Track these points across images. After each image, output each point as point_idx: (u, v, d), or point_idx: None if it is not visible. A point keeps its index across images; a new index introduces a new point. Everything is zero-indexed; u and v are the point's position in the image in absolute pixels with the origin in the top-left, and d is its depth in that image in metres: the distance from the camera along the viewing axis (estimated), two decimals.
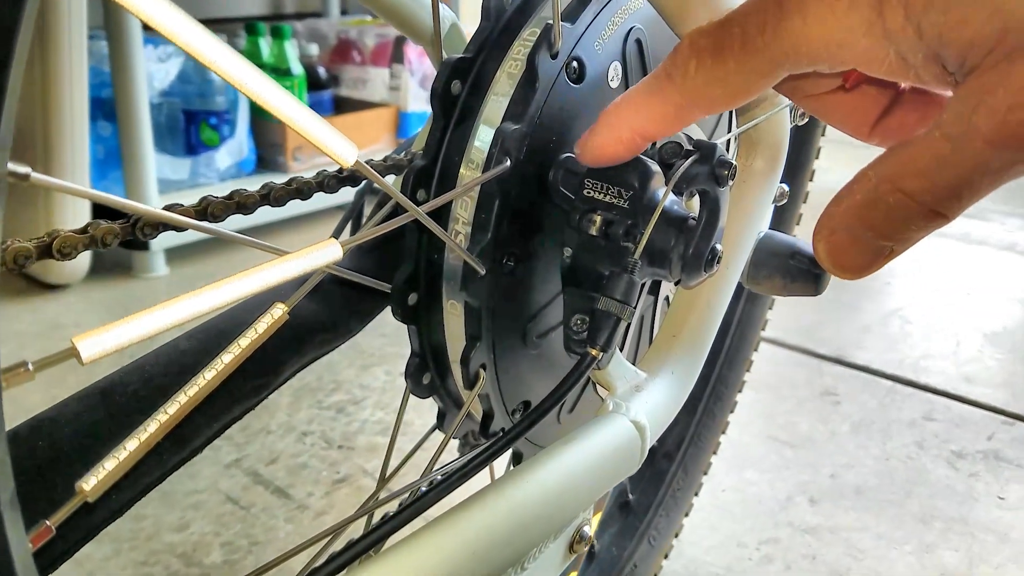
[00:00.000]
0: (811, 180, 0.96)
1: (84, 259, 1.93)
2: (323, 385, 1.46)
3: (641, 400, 0.47)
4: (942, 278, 2.03)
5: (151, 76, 2.15)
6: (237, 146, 2.31)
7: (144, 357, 0.48)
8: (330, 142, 0.36)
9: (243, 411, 0.53)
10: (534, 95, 0.46)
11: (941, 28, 0.28)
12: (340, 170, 0.54)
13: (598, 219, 0.47)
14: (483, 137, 0.47)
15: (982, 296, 1.93)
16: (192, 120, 2.29)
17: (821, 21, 0.31)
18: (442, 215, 0.49)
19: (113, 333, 0.31)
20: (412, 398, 0.57)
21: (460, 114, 0.48)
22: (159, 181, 2.01)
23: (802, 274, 0.55)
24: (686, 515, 1.00)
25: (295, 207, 2.17)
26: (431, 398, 0.55)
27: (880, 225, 0.31)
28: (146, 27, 1.93)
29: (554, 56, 0.47)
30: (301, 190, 0.50)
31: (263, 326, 0.40)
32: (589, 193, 0.47)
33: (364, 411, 1.38)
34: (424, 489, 0.40)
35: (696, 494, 1.02)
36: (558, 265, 0.49)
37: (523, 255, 0.49)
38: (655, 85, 0.38)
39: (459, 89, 0.48)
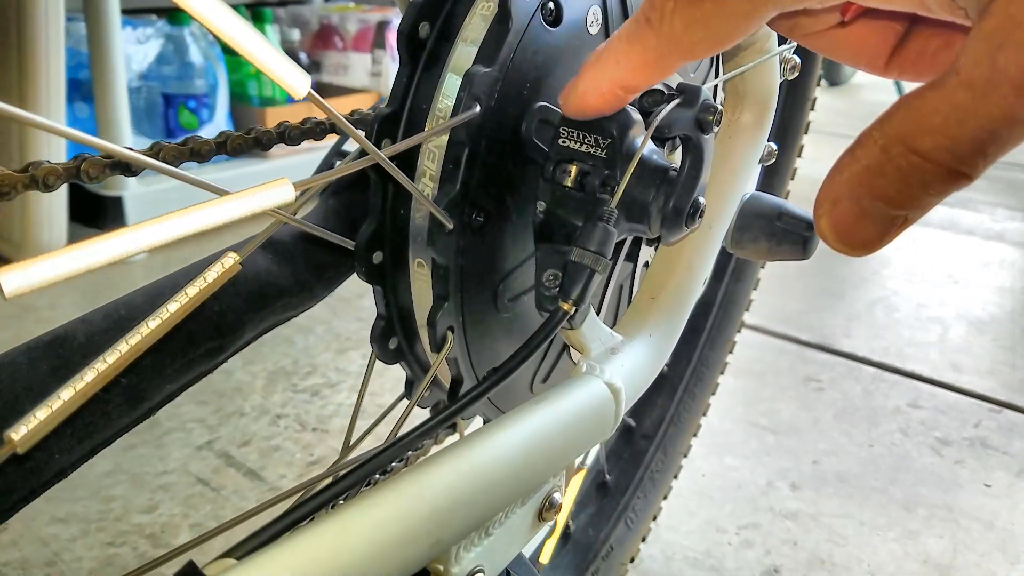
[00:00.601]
0: (806, 132, 0.94)
1: (61, 241, 1.89)
2: (298, 368, 1.43)
3: (616, 363, 0.45)
4: (929, 267, 2.02)
5: (129, 58, 2.11)
6: (216, 130, 2.26)
7: (93, 311, 0.46)
8: (282, 71, 0.33)
9: (199, 373, 0.50)
10: (506, 37, 0.43)
11: None
12: (303, 121, 0.51)
13: (573, 170, 0.44)
14: (452, 82, 0.44)
15: (969, 285, 1.92)
16: (171, 103, 2.25)
17: None
18: (410, 169, 0.46)
19: (39, 267, 0.29)
20: (380, 366, 0.54)
21: (428, 58, 0.45)
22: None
23: (789, 237, 0.53)
24: (665, 498, 0.98)
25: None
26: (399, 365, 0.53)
27: (892, 193, 0.27)
28: (125, 9, 1.89)
29: None
30: (260, 140, 0.48)
31: (213, 275, 0.37)
32: (564, 142, 0.44)
33: (339, 394, 1.35)
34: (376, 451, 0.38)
35: (675, 476, 1.00)
36: (531, 222, 0.47)
37: (494, 211, 0.46)
38: (634, 31, 0.35)
39: (427, 32, 0.45)
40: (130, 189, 1.96)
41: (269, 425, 1.27)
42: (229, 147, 0.46)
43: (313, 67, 2.74)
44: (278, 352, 1.48)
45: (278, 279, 0.52)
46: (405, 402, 0.56)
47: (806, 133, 0.96)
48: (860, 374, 1.50)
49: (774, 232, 0.54)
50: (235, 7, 2.37)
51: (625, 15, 0.52)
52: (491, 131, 0.44)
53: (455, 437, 0.70)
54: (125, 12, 1.93)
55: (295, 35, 2.71)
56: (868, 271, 1.97)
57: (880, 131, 0.27)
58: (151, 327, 0.35)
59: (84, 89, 2.00)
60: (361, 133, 0.39)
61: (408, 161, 0.46)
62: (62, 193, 1.80)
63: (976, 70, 0.24)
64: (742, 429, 1.31)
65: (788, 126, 0.92)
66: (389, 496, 0.33)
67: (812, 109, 0.95)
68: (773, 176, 0.95)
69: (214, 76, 2.27)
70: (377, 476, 0.52)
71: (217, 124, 2.28)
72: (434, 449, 0.66)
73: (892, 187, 0.27)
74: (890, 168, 0.27)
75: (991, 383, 1.49)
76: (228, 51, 2.26)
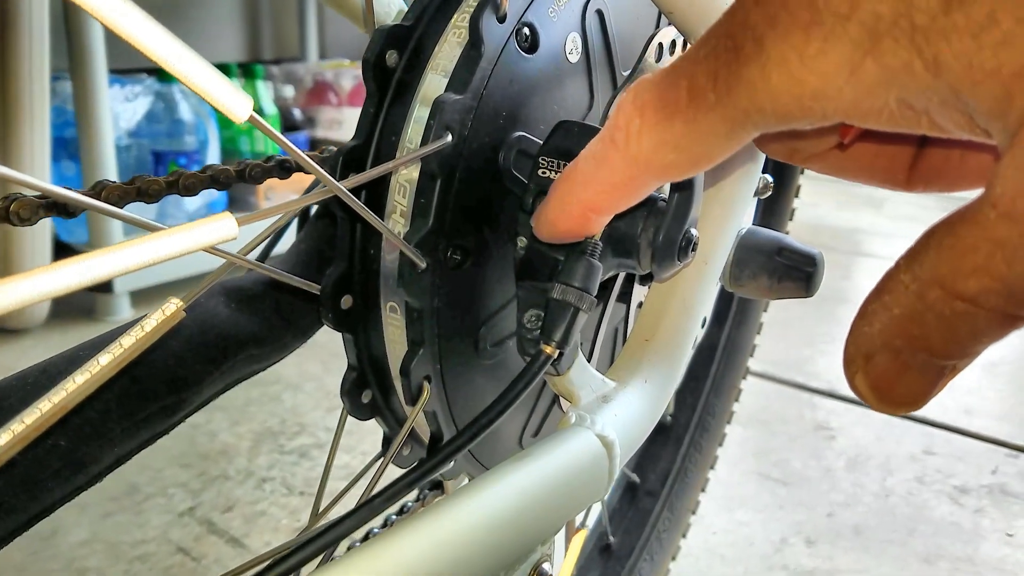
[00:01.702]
0: (802, 173, 0.92)
1: (44, 303, 1.86)
2: (286, 428, 1.38)
3: (609, 412, 0.41)
4: None
5: (118, 116, 2.11)
6: (202, 200, 2.25)
7: (31, 367, 0.42)
8: (221, 94, 0.30)
9: (153, 435, 0.46)
10: (479, 62, 0.41)
11: (972, 59, 0.20)
12: (267, 159, 0.48)
13: None
14: (423, 113, 0.42)
15: None
16: (160, 160, 2.24)
17: (784, 68, 0.23)
18: (379, 205, 0.43)
19: None
20: (360, 422, 0.50)
21: (397, 88, 0.42)
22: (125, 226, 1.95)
23: (791, 273, 0.50)
24: (673, 559, 0.93)
25: None
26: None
27: (937, 344, 0.23)
28: (114, 68, 1.89)
29: (501, 19, 0.41)
30: (217, 178, 0.45)
31: (152, 323, 0.33)
32: (544, 173, 0.41)
33: (327, 454, 1.30)
34: (343, 514, 0.34)
35: (684, 535, 0.94)
36: (512, 259, 0.43)
37: (473, 248, 0.43)
38: (599, 152, 0.31)
39: (396, 60, 0.42)
40: (116, 240, 1.94)
41: (254, 489, 1.22)
42: (180, 186, 0.43)
43: (307, 123, 2.74)
44: (265, 411, 1.43)
45: (241, 329, 0.49)
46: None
47: (802, 173, 0.94)
48: (871, 420, 1.46)
49: (775, 268, 0.50)
50: (227, 64, 2.38)
51: (606, 45, 0.50)
52: (466, 162, 0.41)
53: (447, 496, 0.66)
54: (114, 71, 1.93)
55: (289, 92, 2.72)
56: None
57: (910, 273, 0.23)
58: (78, 383, 0.31)
59: (71, 147, 1.99)
60: (319, 166, 0.35)
61: (378, 198, 0.43)
62: (45, 246, 1.78)
63: (1019, 203, 0.20)
64: (753, 481, 1.26)
65: (785, 166, 0.90)
66: (356, 566, 0.29)
67: None
68: (770, 217, 0.93)
69: (205, 132, 2.27)
70: (354, 542, 0.48)
71: (204, 195, 2.27)
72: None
73: (936, 336, 0.23)
74: (931, 316, 0.23)
75: (1006, 427, 1.44)
76: None
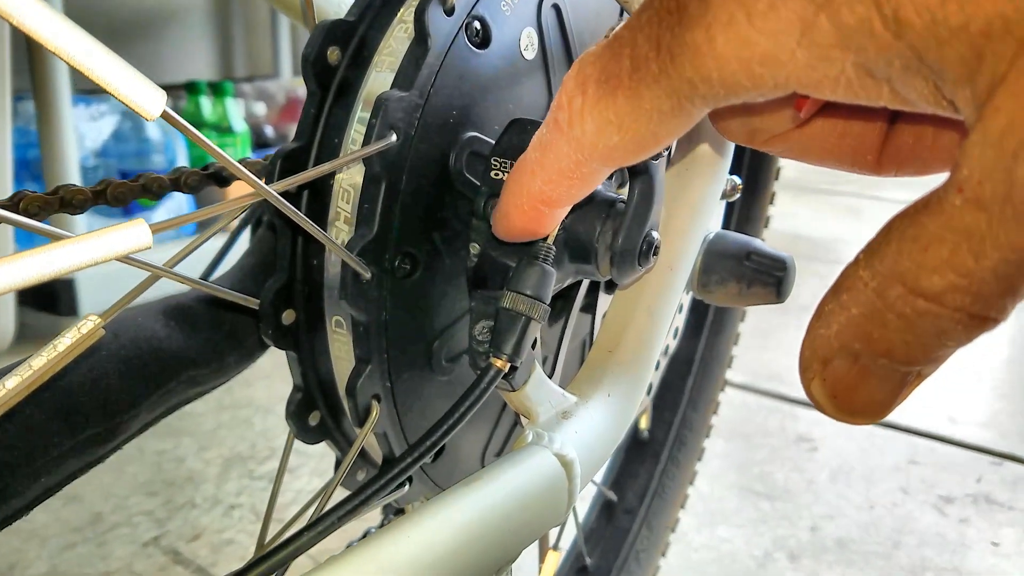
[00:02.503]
0: (776, 179, 0.90)
1: (8, 328, 1.82)
2: (256, 453, 1.34)
3: (568, 429, 0.38)
4: None
5: (83, 136, 2.07)
6: (176, 207, 2.22)
7: None
8: (132, 90, 0.27)
9: (84, 464, 0.43)
10: (426, 58, 0.38)
11: (936, 14, 0.18)
12: (205, 167, 0.45)
13: None
14: (367, 112, 0.39)
15: None
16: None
17: (732, 29, 0.21)
18: (322, 212, 0.40)
19: None
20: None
21: (340, 87, 0.40)
22: None
23: (760, 278, 0.48)
24: None
25: None
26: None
27: (898, 347, 0.21)
28: (79, 89, 1.85)
29: (449, 12, 0.39)
30: (149, 188, 0.42)
31: (65, 343, 0.30)
32: (497, 175, 0.39)
33: (299, 480, 1.27)
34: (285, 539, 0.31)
35: (663, 554, 0.92)
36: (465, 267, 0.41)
37: (423, 256, 0.41)
38: (545, 137, 0.29)
39: (338, 58, 0.40)
40: (84, 271, 1.89)
41: (222, 516, 1.18)
42: (109, 196, 0.40)
43: (279, 140, 2.72)
44: (235, 435, 1.39)
45: (181, 349, 0.46)
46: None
47: (777, 178, 0.92)
48: (853, 431, 1.44)
49: (743, 273, 0.48)
50: (196, 82, 2.35)
51: (564, 41, 0.47)
52: (413, 164, 0.39)
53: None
54: (80, 91, 1.90)
55: (260, 109, 2.69)
56: None
57: (869, 269, 0.21)
58: None
59: (34, 168, 1.95)
60: (249, 171, 0.33)
61: (321, 204, 0.40)
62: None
63: (987, 186, 0.18)
64: (735, 496, 1.24)
65: (758, 170, 0.88)
66: None
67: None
68: (745, 224, 0.91)
69: (173, 151, 2.23)
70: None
71: (177, 201, 2.23)
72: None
73: (897, 339, 0.21)
74: (891, 317, 0.21)
75: (990, 434, 1.43)
76: None
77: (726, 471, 1.30)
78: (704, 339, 0.93)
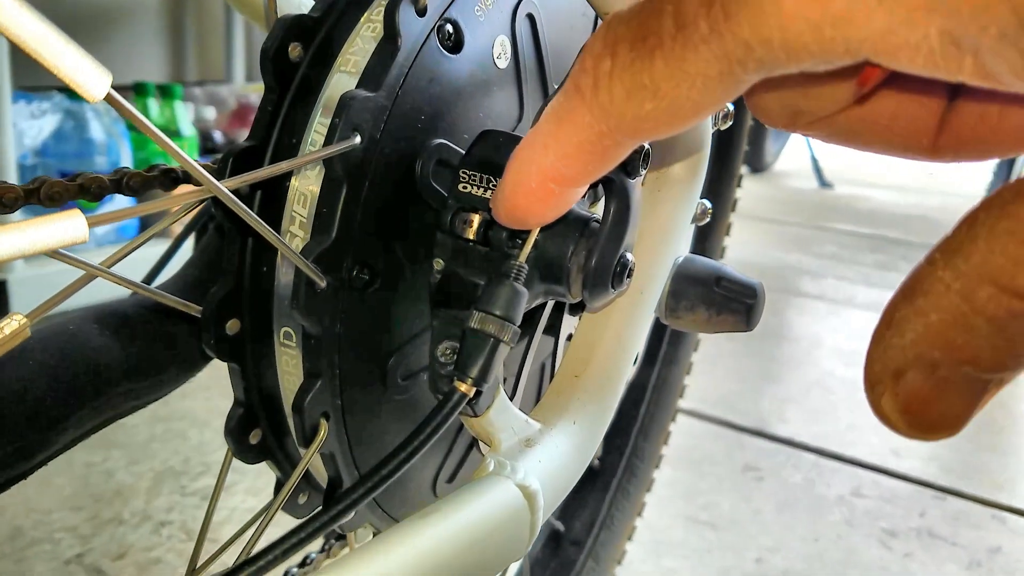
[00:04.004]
0: (739, 186, 0.89)
1: None
2: (190, 468, 1.29)
3: (532, 458, 0.36)
4: (863, 348, 1.99)
5: (22, 133, 2.00)
6: (118, 208, 2.14)
7: None
8: (74, 69, 0.25)
9: (5, 480, 0.40)
10: (395, 57, 0.36)
11: None
12: (149, 168, 0.42)
13: (476, 219, 0.37)
14: (329, 113, 0.37)
15: None
16: None
17: None
18: (276, 218, 0.38)
19: None
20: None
21: (301, 85, 0.38)
22: None
23: (730, 305, 0.46)
24: None
25: None
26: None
27: (986, 354, 0.19)
28: (20, 86, 1.78)
29: (421, 13, 0.37)
30: (87, 188, 0.39)
31: None
32: (465, 188, 0.37)
33: (234, 497, 1.22)
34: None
35: None
36: (428, 283, 0.39)
37: (383, 268, 0.38)
38: (562, 105, 0.25)
39: (300, 54, 0.37)
40: (15, 272, 1.82)
41: (151, 534, 1.12)
42: (42, 195, 0.37)
43: (229, 145, 2.66)
44: (168, 449, 1.34)
45: (116, 360, 0.43)
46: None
47: (734, 209, 0.92)
48: (800, 461, 1.44)
49: (713, 300, 0.47)
50: (144, 84, 2.29)
51: (538, 53, 0.46)
52: (377, 170, 0.37)
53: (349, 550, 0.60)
54: (20, 88, 1.83)
55: (210, 113, 2.63)
56: (801, 352, 1.94)
57: (951, 269, 0.19)
58: None
59: None
60: (200, 167, 0.30)
61: (275, 209, 0.37)
62: None
63: None
64: (681, 525, 1.23)
65: (716, 198, 0.88)
66: None
67: (739, 186, 0.91)
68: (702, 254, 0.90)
69: (117, 152, 2.17)
70: None
71: (118, 203, 2.16)
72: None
73: (987, 345, 0.19)
74: (980, 321, 0.19)
75: (933, 468, 1.45)
76: (133, 128, 2.16)
77: (673, 499, 1.29)
78: (657, 369, 0.92)
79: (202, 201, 0.30)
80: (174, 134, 2.27)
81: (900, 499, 1.34)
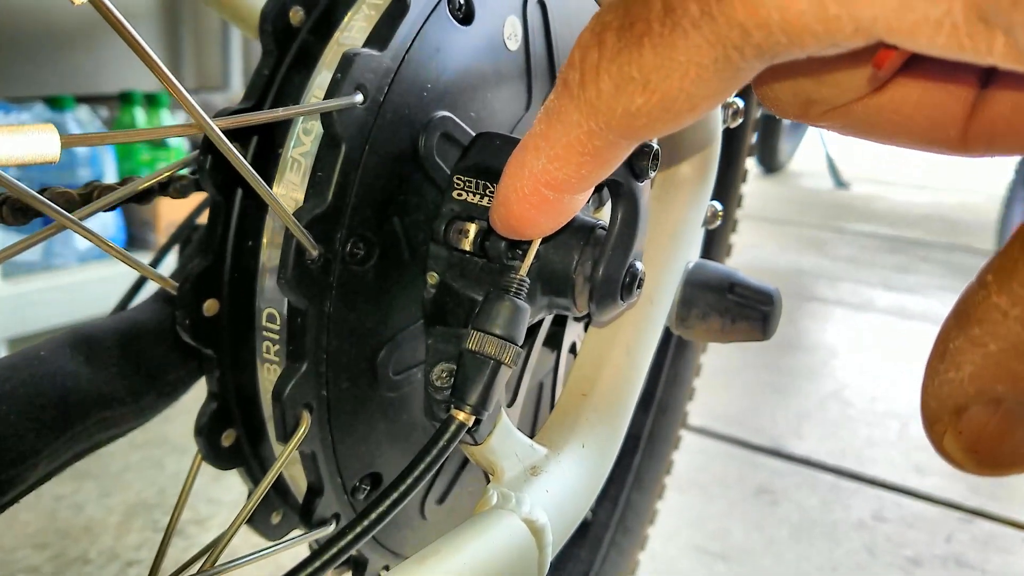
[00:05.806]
0: (744, 181, 0.88)
1: None
2: (164, 500, 1.26)
3: (539, 488, 0.34)
4: (880, 355, 1.98)
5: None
6: (101, 224, 2.13)
7: None
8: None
9: None
10: (403, 17, 0.35)
11: None
12: (123, 180, 0.40)
13: (472, 229, 0.35)
14: (328, 76, 0.36)
15: (923, 374, 1.87)
16: None
17: None
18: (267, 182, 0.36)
19: None
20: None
21: (300, 50, 0.36)
22: (5, 263, 1.81)
23: (745, 313, 0.45)
24: None
25: None
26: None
27: None
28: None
29: None
30: (56, 203, 0.37)
31: None
32: (460, 194, 0.35)
33: (208, 533, 1.19)
34: None
35: None
36: (420, 298, 0.37)
37: (379, 243, 0.37)
38: (554, 103, 0.24)
39: (301, 19, 0.36)
40: None
41: (117, 574, 1.10)
42: (4, 213, 0.35)
43: None
44: (143, 479, 1.31)
45: (90, 388, 0.41)
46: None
47: (739, 207, 0.90)
48: (816, 482, 1.42)
49: (727, 307, 0.45)
50: (131, 92, 2.29)
51: (548, 43, 0.44)
52: (378, 134, 0.35)
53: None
54: (3, 98, 1.82)
55: None
56: (816, 362, 1.91)
57: (1007, 294, 0.18)
58: None
59: None
60: (192, 100, 0.29)
61: (266, 174, 0.36)
62: None
63: None
64: (688, 556, 1.20)
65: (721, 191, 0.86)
66: None
67: (744, 181, 0.89)
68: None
69: (100, 165, 2.15)
70: None
71: (103, 217, 2.15)
72: None
73: None
74: None
75: (959, 487, 1.42)
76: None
77: (680, 528, 1.26)
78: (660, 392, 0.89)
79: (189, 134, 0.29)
80: (159, 144, 2.26)
81: (924, 522, 1.32)
